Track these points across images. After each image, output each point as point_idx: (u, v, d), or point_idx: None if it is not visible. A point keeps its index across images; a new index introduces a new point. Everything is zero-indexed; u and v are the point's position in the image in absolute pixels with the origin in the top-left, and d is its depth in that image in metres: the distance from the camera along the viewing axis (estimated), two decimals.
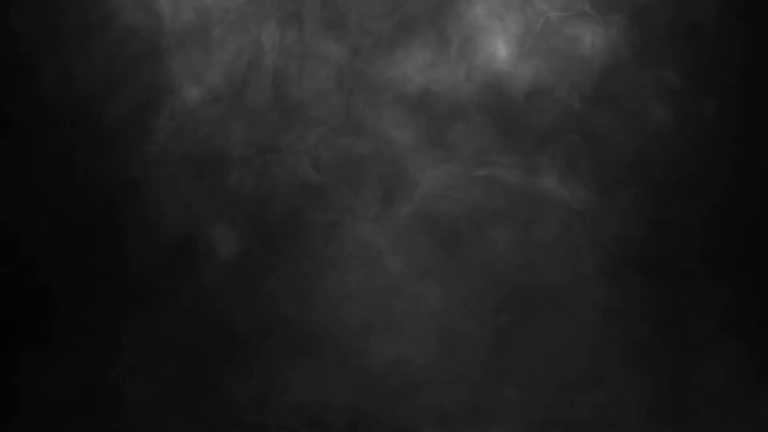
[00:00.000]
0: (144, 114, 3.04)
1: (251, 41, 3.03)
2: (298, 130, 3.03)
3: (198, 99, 3.04)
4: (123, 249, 3.05)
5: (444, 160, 3.01)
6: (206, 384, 3.02)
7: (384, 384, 2.99)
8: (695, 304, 2.97)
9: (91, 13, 3.05)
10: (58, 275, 3.05)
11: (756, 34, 2.97)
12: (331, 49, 3.02)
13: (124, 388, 3.02)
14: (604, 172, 2.98)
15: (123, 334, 3.03)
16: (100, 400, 3.02)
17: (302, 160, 3.02)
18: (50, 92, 3.05)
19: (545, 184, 2.99)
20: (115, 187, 3.05)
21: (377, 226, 3.02)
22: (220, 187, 3.04)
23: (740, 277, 2.98)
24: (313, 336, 3.02)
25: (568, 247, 2.98)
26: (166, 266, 3.04)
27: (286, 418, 2.99)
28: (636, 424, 2.94)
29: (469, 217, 3.01)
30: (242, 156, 3.03)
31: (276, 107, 3.03)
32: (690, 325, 2.97)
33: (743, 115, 2.97)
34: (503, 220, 3.00)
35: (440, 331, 3.01)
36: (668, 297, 2.98)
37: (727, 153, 2.98)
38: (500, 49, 2.99)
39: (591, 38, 2.98)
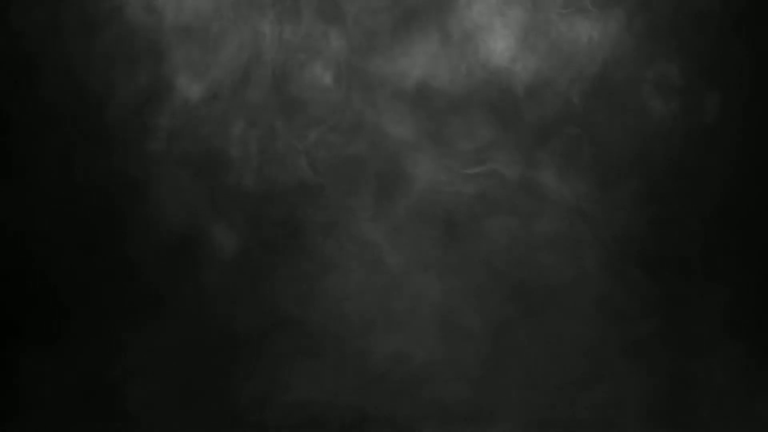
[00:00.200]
0: (144, 113, 3.04)
1: (250, 38, 3.03)
2: (297, 128, 3.03)
3: (198, 97, 3.04)
4: (123, 249, 3.04)
5: (443, 155, 3.01)
6: (206, 384, 3.02)
7: (384, 384, 2.99)
8: (696, 303, 2.97)
9: (92, 12, 3.05)
10: (58, 275, 3.05)
11: (759, 27, 2.96)
12: (331, 45, 3.02)
13: (124, 388, 3.02)
14: (605, 167, 2.97)
15: (123, 334, 3.03)
16: (100, 400, 3.02)
17: (301, 158, 3.02)
18: (51, 92, 3.05)
19: (545, 180, 2.98)
20: (115, 187, 3.05)
21: (376, 224, 3.01)
22: (220, 187, 3.04)
23: (741, 276, 2.97)
24: (313, 335, 3.01)
25: (568, 244, 2.98)
26: (166, 266, 3.04)
27: (286, 418, 2.99)
28: (636, 423, 2.94)
29: (469, 213, 3.00)
30: (242, 155, 3.03)
31: (275, 106, 3.03)
32: (691, 324, 2.97)
33: (746, 112, 2.97)
34: (503, 216, 2.99)
35: (440, 329, 3.01)
36: (669, 296, 2.97)
37: (730, 149, 2.97)
38: (500, 44, 2.99)
39: (591, 33, 2.97)
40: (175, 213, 3.04)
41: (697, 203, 2.97)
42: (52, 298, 3.05)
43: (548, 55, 2.98)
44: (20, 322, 3.05)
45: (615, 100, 2.97)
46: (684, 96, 2.96)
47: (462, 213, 3.01)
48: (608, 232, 2.97)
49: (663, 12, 2.96)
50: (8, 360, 3.03)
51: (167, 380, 3.01)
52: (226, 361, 3.02)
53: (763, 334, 2.96)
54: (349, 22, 3.01)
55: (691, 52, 2.96)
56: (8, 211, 3.05)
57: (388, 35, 3.01)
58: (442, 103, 3.01)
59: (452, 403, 2.98)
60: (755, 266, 2.98)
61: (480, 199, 3.00)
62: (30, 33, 3.05)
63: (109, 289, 3.04)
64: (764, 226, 2.98)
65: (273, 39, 3.02)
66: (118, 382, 3.02)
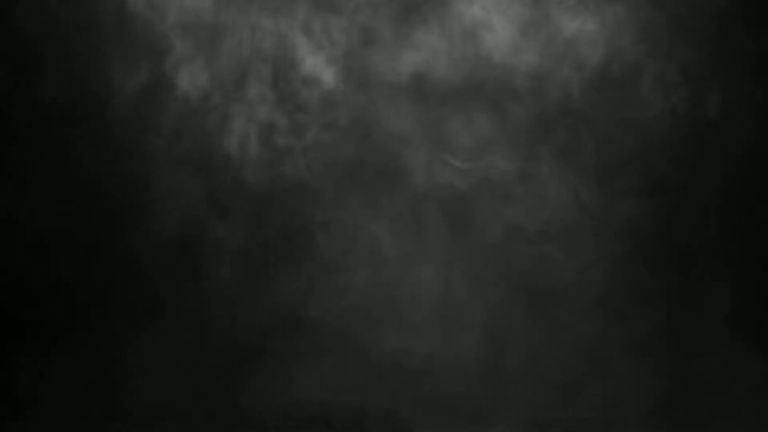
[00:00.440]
0: (145, 111, 3.04)
1: (249, 35, 3.03)
2: (297, 125, 3.02)
3: (199, 95, 3.04)
4: (124, 248, 3.04)
5: (443, 149, 3.00)
6: (207, 384, 3.02)
7: (384, 383, 2.99)
8: (698, 302, 2.96)
9: (92, 9, 3.05)
10: (59, 276, 3.05)
11: (759, 20, 2.96)
12: (331, 40, 3.02)
13: (124, 388, 3.01)
14: (605, 161, 2.97)
15: (123, 334, 3.03)
16: (100, 400, 3.02)
17: (301, 156, 3.02)
18: (51, 90, 3.05)
19: (545, 174, 2.98)
20: (115, 187, 3.04)
21: (377, 222, 3.01)
22: (221, 186, 3.03)
23: (743, 275, 2.97)
24: (313, 335, 3.01)
25: (568, 239, 2.97)
26: (167, 266, 3.03)
27: (286, 418, 2.99)
28: (636, 423, 2.94)
29: (468, 208, 3.00)
30: (242, 153, 3.02)
31: (275, 103, 3.03)
32: (692, 324, 2.96)
33: (747, 105, 2.96)
34: (502, 211, 2.99)
35: (441, 328, 3.01)
36: (670, 295, 2.97)
37: (731, 145, 2.96)
38: (500, 37, 2.99)
39: (591, 27, 2.97)
40: (175, 212, 3.03)
41: (698, 197, 2.96)
42: (53, 299, 3.04)
43: (548, 49, 2.97)
44: (21, 323, 3.05)
45: (615, 94, 2.97)
46: (684, 89, 2.95)
47: (461, 208, 3.00)
48: (608, 226, 2.96)
49: (663, 5, 2.96)
50: (9, 360, 3.03)
51: (168, 380, 3.01)
52: (226, 361, 3.02)
53: (764, 332, 2.95)
54: (349, 17, 3.01)
55: (691, 45, 2.95)
56: (8, 211, 3.05)
57: (389, 29, 3.01)
58: (441, 97, 3.00)
59: (453, 402, 2.98)
60: (757, 265, 2.97)
61: (479, 194, 2.99)
62: (31, 32, 3.05)
63: (110, 289, 3.04)
64: (765, 224, 2.97)
65: (273, 35, 3.02)
66: (119, 382, 3.02)
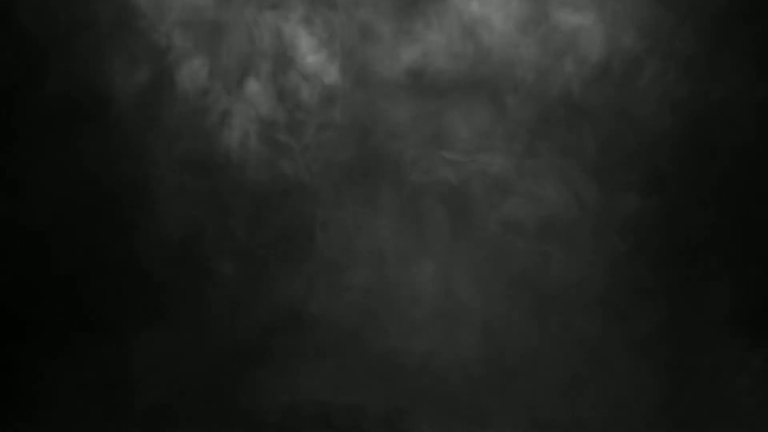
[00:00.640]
0: (145, 110, 3.04)
1: (249, 34, 3.03)
2: (296, 124, 3.02)
3: (199, 94, 3.04)
4: (124, 249, 3.04)
5: (442, 146, 3.00)
6: (207, 384, 3.02)
7: (384, 383, 2.99)
8: (698, 302, 2.97)
9: (93, 7, 3.05)
10: (59, 276, 3.05)
11: (761, 14, 2.95)
12: (331, 36, 3.02)
13: (124, 388, 3.02)
14: (605, 156, 2.97)
15: (123, 334, 3.03)
16: (101, 400, 3.03)
17: (301, 155, 3.02)
18: (52, 91, 3.05)
19: (544, 170, 2.98)
20: (116, 187, 3.05)
21: (377, 220, 3.01)
22: (221, 185, 3.04)
23: (743, 275, 2.97)
24: (314, 334, 3.01)
25: (568, 236, 2.98)
26: (167, 266, 3.04)
27: (286, 417, 2.99)
28: (637, 423, 2.94)
29: (468, 206, 3.00)
30: (242, 152, 3.03)
31: (275, 101, 3.03)
32: (693, 323, 2.96)
33: (749, 104, 2.95)
34: (502, 208, 2.99)
35: (441, 328, 3.01)
36: (670, 294, 2.97)
37: (732, 142, 2.96)
38: (500, 32, 2.98)
39: (592, 22, 2.97)
40: (175, 212, 3.04)
41: (698, 194, 2.96)
42: (53, 299, 3.05)
43: (549, 44, 2.97)
44: (21, 322, 3.05)
45: (615, 90, 2.96)
46: (685, 85, 2.95)
47: (461, 205, 3.00)
48: (608, 223, 2.96)
49: (664, 0, 2.95)
50: (9, 360, 3.04)
51: (168, 380, 3.01)
52: (227, 361, 3.02)
53: (765, 332, 2.95)
54: (348, 12, 3.02)
55: (692, 41, 2.95)
56: (8, 211, 3.05)
57: (388, 24, 3.00)
58: (441, 93, 3.00)
59: (453, 402, 2.98)
60: (757, 264, 2.97)
61: (479, 191, 2.99)
62: (31, 31, 3.05)
63: (110, 289, 3.04)
64: (765, 223, 2.97)
65: (272, 31, 3.02)
66: (119, 382, 3.02)
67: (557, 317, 2.97)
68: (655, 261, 2.96)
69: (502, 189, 2.99)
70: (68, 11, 3.05)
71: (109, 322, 3.03)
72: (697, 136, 2.95)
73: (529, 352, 2.98)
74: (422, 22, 3.00)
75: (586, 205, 2.97)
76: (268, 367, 3.01)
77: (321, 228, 3.02)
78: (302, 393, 2.99)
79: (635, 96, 2.96)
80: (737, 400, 2.92)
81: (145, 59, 3.04)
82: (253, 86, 3.03)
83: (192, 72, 3.03)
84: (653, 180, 2.96)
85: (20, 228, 3.05)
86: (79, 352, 3.03)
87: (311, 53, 3.02)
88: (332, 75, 3.02)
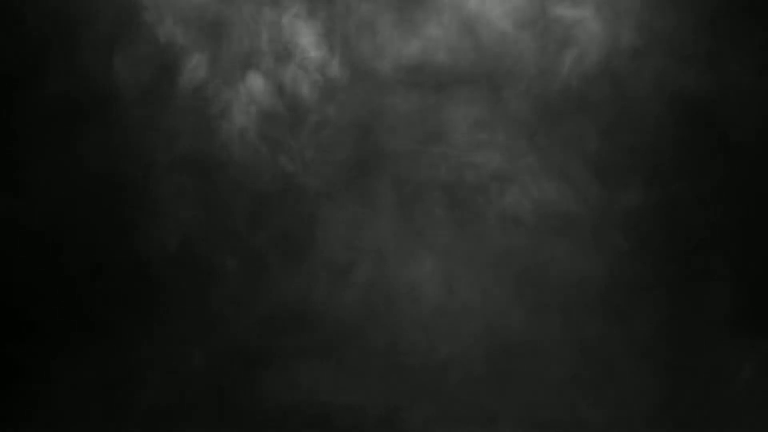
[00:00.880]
0: (146, 111, 3.04)
1: (249, 29, 3.03)
2: (296, 122, 3.02)
3: (199, 92, 3.04)
4: (124, 249, 3.05)
5: (441, 141, 3.00)
6: (208, 384, 3.02)
7: (385, 383, 2.99)
8: (698, 301, 2.96)
9: (94, 6, 3.05)
10: (59, 276, 3.06)
11: (761, 10, 2.95)
12: (331, 32, 3.02)
13: (124, 388, 3.02)
14: (606, 154, 2.96)
15: (123, 334, 3.03)
16: (102, 400, 3.03)
17: (300, 154, 3.02)
18: (52, 90, 3.05)
19: (545, 167, 2.98)
20: (116, 187, 3.05)
21: (377, 219, 3.01)
22: (221, 185, 3.04)
23: (744, 274, 2.97)
24: (314, 333, 3.02)
25: (568, 236, 2.97)
26: (167, 266, 3.04)
27: (286, 417, 2.99)
28: (637, 422, 2.94)
29: (468, 203, 3.00)
30: (242, 152, 3.03)
31: (275, 100, 3.03)
32: (693, 323, 2.96)
33: (750, 100, 2.95)
34: (502, 205, 2.99)
35: (442, 327, 3.01)
36: (670, 292, 2.97)
37: (733, 140, 2.96)
38: (500, 26, 2.98)
39: (592, 17, 2.96)
40: (175, 211, 3.04)
41: (699, 192, 2.96)
42: (54, 299, 3.05)
43: (548, 38, 2.97)
44: (22, 322, 3.06)
45: (616, 85, 2.96)
46: (685, 80, 2.95)
47: (461, 202, 3.00)
48: (609, 220, 2.96)
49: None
50: (9, 360, 3.04)
51: (168, 380, 3.02)
52: (227, 361, 3.02)
53: (765, 332, 2.95)
54: (348, 7, 3.01)
55: (693, 37, 2.94)
56: (8, 211, 3.06)
57: (388, 19, 3.00)
58: (441, 86, 3.00)
59: (453, 401, 2.99)
60: (757, 264, 2.97)
61: (479, 188, 2.99)
62: (34, 31, 3.06)
63: (110, 289, 3.05)
64: (766, 222, 2.97)
65: (272, 28, 3.02)
66: (120, 382, 3.03)
67: (557, 315, 2.97)
68: (655, 259, 2.96)
69: (502, 185, 2.99)
70: (68, 11, 3.05)
71: (109, 322, 3.04)
72: (697, 132, 2.95)
73: (529, 351, 2.98)
74: (422, 17, 3.00)
75: (586, 202, 2.97)
76: (268, 367, 3.01)
77: (321, 226, 3.02)
78: (302, 393, 3.00)
79: (635, 91, 2.95)
80: (737, 400, 2.92)
81: (145, 58, 3.04)
82: (254, 81, 3.03)
83: (192, 69, 3.03)
84: (653, 176, 2.96)
85: (20, 228, 3.05)
86: (79, 352, 3.03)
87: (312, 48, 3.02)
88: (333, 72, 3.02)
